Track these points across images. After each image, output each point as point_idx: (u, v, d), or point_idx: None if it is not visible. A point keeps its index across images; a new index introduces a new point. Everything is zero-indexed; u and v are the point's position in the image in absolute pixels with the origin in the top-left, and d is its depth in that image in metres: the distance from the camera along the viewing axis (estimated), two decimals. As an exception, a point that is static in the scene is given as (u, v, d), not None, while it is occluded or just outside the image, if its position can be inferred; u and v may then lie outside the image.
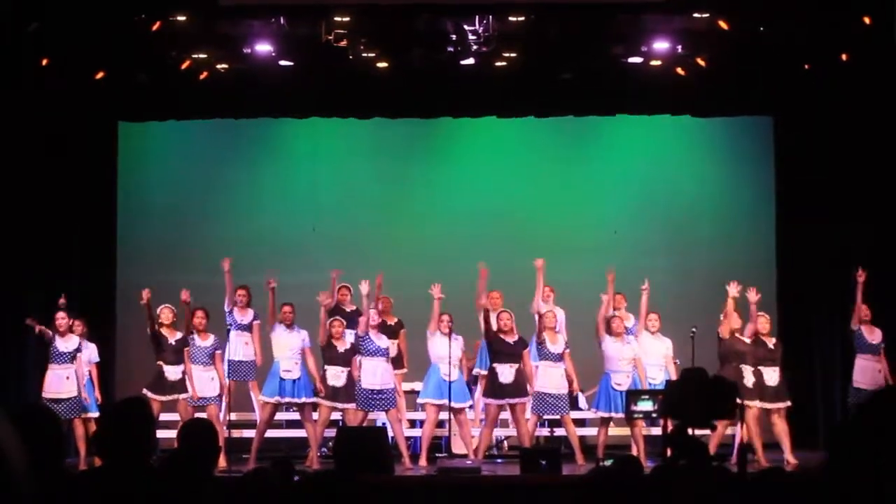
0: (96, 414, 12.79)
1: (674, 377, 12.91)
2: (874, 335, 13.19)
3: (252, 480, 5.36)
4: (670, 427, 10.99)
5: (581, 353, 13.52)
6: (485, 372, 13.22)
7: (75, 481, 4.05)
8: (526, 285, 14.26)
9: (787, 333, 14.18)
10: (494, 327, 12.89)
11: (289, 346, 12.95)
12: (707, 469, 6.63)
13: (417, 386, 13.63)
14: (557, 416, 13.19)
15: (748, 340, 13.01)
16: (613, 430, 13.28)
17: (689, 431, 9.90)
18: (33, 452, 3.74)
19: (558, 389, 12.94)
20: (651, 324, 13.42)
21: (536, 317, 13.22)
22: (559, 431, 13.58)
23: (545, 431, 13.83)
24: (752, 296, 12.94)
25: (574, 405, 13.58)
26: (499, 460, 13.54)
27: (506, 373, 12.75)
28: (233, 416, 13.43)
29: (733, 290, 12.91)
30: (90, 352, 13.18)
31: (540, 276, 13.40)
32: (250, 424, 13.70)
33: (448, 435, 13.16)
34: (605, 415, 13.02)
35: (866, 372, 13.11)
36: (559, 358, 13.02)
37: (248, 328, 13.58)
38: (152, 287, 13.16)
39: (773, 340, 13.16)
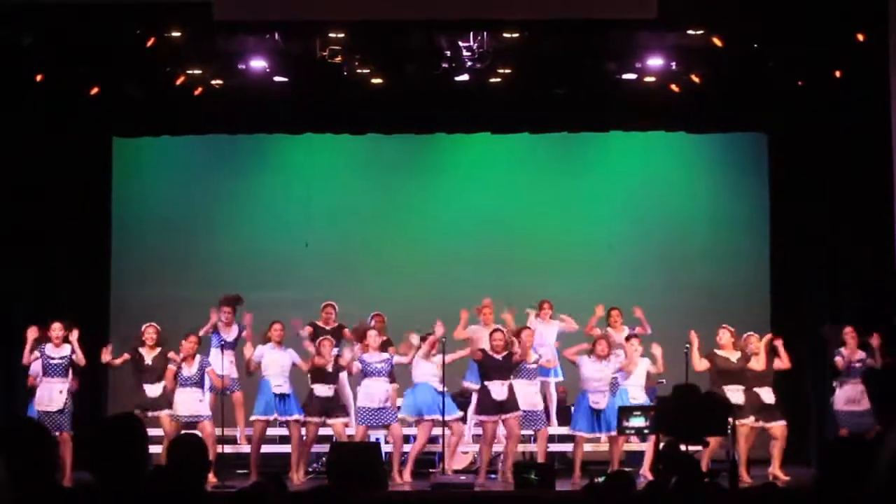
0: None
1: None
2: (856, 357, 13.20)
3: (250, 494, 5.36)
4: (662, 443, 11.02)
5: (570, 367, 13.54)
6: (476, 387, 13.23)
7: (67, 497, 4.04)
8: (519, 300, 14.26)
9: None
10: (487, 347, 12.88)
11: (279, 364, 12.94)
12: (699, 485, 6.63)
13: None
14: (531, 432, 13.17)
15: (735, 360, 12.98)
16: (601, 447, 13.26)
17: (682, 447, 9.92)
18: (24, 468, 3.74)
19: (532, 406, 12.92)
20: (633, 348, 13.41)
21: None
22: (552, 447, 13.52)
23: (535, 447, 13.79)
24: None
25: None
26: (492, 476, 13.50)
27: (498, 390, 12.70)
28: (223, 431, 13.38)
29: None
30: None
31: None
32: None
33: (441, 450, 13.13)
34: (588, 435, 13.00)
35: (849, 394, 13.15)
36: (532, 374, 13.00)
37: (233, 345, 13.59)
38: (143, 300, 13.11)
39: (763, 359, 13.09)
